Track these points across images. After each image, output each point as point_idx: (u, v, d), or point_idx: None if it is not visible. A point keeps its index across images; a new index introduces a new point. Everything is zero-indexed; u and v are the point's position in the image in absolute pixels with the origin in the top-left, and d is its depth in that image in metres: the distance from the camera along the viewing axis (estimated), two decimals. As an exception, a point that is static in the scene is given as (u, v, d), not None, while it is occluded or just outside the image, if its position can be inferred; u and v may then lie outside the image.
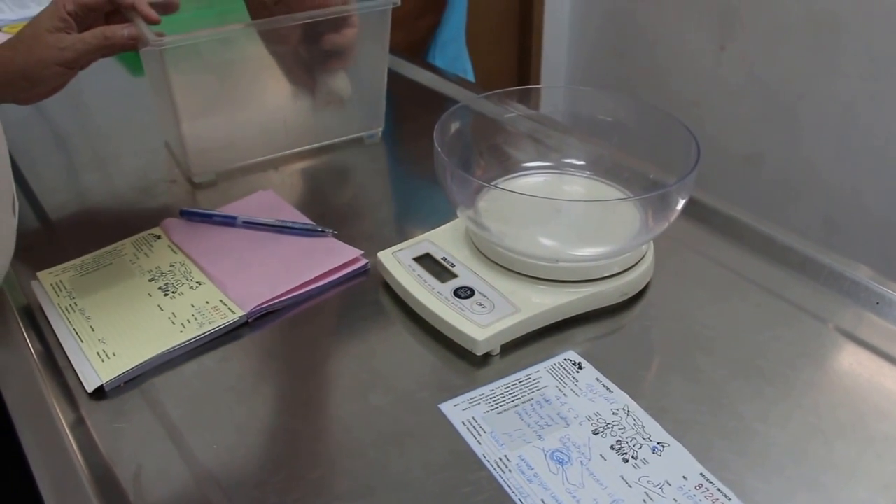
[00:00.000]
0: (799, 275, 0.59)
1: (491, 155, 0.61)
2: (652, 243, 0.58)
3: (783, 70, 1.57)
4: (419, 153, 0.79)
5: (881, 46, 1.39)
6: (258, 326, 0.54)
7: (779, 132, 1.63)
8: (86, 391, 0.48)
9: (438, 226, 0.61)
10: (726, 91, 1.72)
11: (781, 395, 0.48)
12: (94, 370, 0.49)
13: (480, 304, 0.52)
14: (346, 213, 0.68)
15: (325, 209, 0.68)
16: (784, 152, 1.62)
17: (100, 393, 0.48)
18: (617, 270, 0.54)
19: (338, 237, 0.63)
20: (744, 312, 0.55)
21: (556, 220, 0.52)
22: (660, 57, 1.84)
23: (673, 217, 0.53)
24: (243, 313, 0.54)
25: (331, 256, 0.60)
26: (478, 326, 0.49)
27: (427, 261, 0.56)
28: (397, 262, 0.56)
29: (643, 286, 0.57)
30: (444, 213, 0.63)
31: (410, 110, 0.88)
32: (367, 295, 0.57)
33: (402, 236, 0.60)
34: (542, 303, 0.52)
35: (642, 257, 0.56)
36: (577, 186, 0.61)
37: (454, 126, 0.57)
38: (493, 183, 0.60)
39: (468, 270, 0.55)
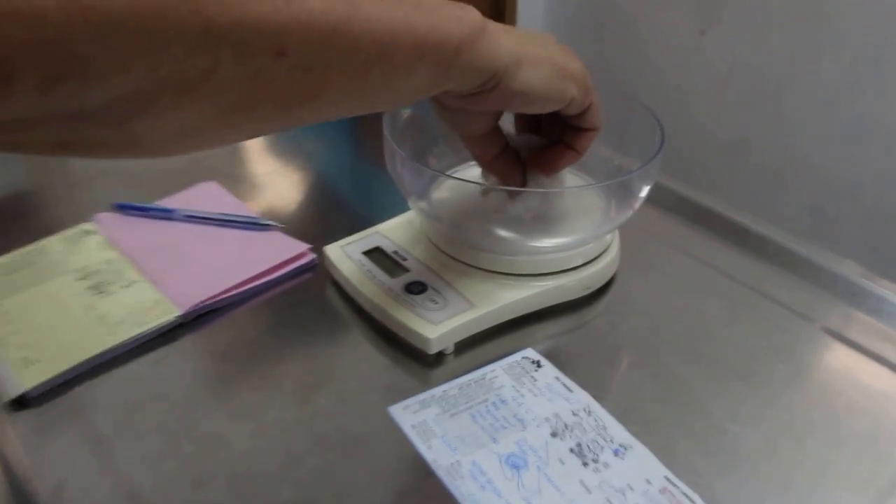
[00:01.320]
0: (773, 266, 0.59)
1: (446, 142, 0.60)
2: (617, 234, 0.58)
3: (768, 55, 1.58)
4: (372, 140, 0.78)
5: (867, 31, 1.40)
6: (196, 327, 0.53)
7: (764, 117, 1.63)
8: (6, 400, 0.47)
9: (391, 218, 0.60)
10: (710, 75, 1.72)
11: (752, 393, 0.48)
12: (16, 377, 0.48)
13: (433, 301, 0.51)
14: (293, 204, 0.68)
15: (273, 201, 0.68)
16: (770, 138, 1.62)
17: (22, 402, 0.47)
18: (579, 262, 0.54)
19: (284, 231, 0.62)
20: (714, 307, 0.55)
21: (513, 209, 0.51)
22: (640, 40, 1.83)
23: (636, 205, 0.53)
24: (179, 313, 0.53)
25: (276, 251, 0.59)
26: (430, 324, 0.49)
27: (377, 255, 0.56)
28: (346, 257, 0.56)
29: (607, 279, 0.56)
30: (398, 203, 0.62)
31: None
32: (314, 292, 0.57)
33: (353, 229, 0.60)
34: (499, 298, 0.51)
35: (606, 248, 0.56)
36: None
37: (406, 111, 0.57)
38: (447, 172, 0.59)
39: (421, 265, 0.54)
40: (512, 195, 0.50)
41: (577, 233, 0.53)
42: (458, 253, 0.54)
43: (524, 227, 0.52)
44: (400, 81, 0.32)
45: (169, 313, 0.53)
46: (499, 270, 0.53)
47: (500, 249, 0.52)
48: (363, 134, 0.81)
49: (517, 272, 0.53)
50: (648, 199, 0.54)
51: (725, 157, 1.71)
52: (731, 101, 1.68)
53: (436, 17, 0.32)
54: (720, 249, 0.61)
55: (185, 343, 0.52)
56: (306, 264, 0.59)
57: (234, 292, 0.56)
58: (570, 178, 0.59)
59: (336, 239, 0.58)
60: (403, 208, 0.61)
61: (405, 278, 0.53)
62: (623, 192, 0.52)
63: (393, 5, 0.30)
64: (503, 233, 0.53)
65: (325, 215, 0.67)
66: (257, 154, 0.77)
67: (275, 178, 0.73)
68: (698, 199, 0.66)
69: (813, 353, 0.51)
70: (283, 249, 0.60)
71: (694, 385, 0.48)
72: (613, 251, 0.56)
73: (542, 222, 0.53)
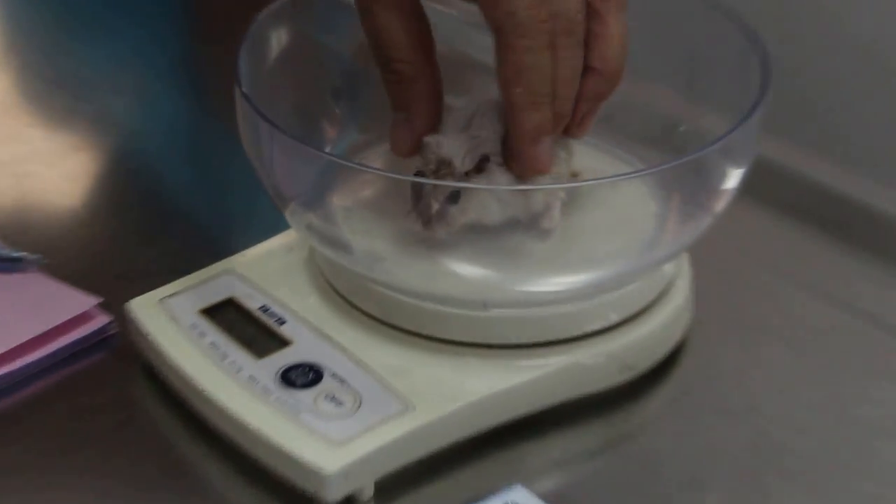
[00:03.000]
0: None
1: (361, 95, 0.58)
2: (686, 262, 0.55)
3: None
4: (220, 93, 0.71)
5: None
6: None
7: None
8: None
9: (253, 243, 0.57)
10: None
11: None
12: None
13: (334, 399, 0.48)
14: (67, 220, 0.66)
15: (27, 213, 0.66)
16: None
17: None
18: (612, 320, 0.51)
19: (49, 270, 0.59)
20: (874, 401, 0.53)
21: (486, 225, 0.50)
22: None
23: (720, 204, 0.50)
24: None
25: (36, 310, 0.55)
26: (328, 445, 0.45)
27: (229, 314, 0.53)
28: (169, 320, 0.52)
29: (667, 351, 0.53)
30: (266, 217, 0.59)
31: (221, 16, 0.86)
32: (111, 387, 0.53)
33: (181, 265, 0.57)
34: (462, 391, 0.48)
35: (664, 292, 0.53)
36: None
37: (280, 39, 0.55)
38: (358, 158, 0.57)
39: (311, 331, 0.52)
40: (480, 196, 0.50)
41: (606, 263, 0.51)
42: (383, 307, 0.52)
43: (509, 256, 0.52)
44: None
45: None
46: (461, 339, 0.50)
47: (462, 298, 0.51)
48: (204, 80, 0.82)
49: (495, 342, 0.50)
50: (744, 191, 0.51)
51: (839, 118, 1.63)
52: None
53: None
54: (885, 282, 0.60)
55: None
56: (92, 335, 0.55)
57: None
58: (595, 159, 0.58)
59: (149, 285, 0.55)
60: (277, 226, 0.58)
61: (281, 357, 0.50)
62: (694, 183, 0.50)
63: None
64: (468, 269, 0.51)
65: (127, 240, 0.64)
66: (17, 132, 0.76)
67: (31, 166, 0.70)
68: (842, 190, 0.64)
69: None
70: (50, 307, 0.56)
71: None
72: (679, 297, 0.54)
73: (541, 245, 0.52)
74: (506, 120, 0.50)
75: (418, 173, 0.50)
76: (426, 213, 0.50)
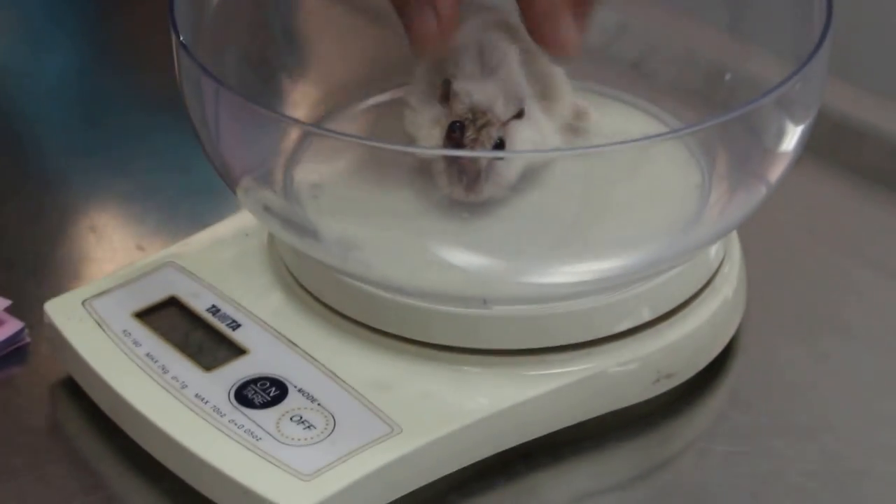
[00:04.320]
0: None
1: (326, 41, 0.61)
2: (736, 242, 0.55)
3: None
4: (153, 56, 0.72)
5: None
6: None
7: None
8: None
9: (198, 229, 0.58)
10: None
11: None
12: None
13: (301, 421, 0.48)
14: None
15: None
16: None
17: None
18: (644, 318, 0.51)
19: None
20: None
21: (487, 204, 0.50)
22: None
23: (778, 171, 0.50)
24: None
25: None
26: (294, 478, 0.45)
27: (170, 317, 0.53)
28: (95, 325, 0.52)
29: (714, 354, 0.53)
30: (213, 197, 0.61)
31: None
32: (25, 407, 0.54)
33: (106, 259, 0.59)
34: (459, 410, 0.48)
35: (708, 281, 0.53)
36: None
37: None
38: (322, 122, 0.58)
39: (272, 337, 0.51)
40: (477, 165, 0.50)
41: (636, 246, 0.50)
42: (360, 307, 0.51)
43: (512, 238, 0.51)
44: None
45: None
46: (457, 345, 0.50)
47: (457, 293, 0.50)
48: (120, 21, 0.82)
49: (499, 347, 0.50)
50: (807, 153, 0.51)
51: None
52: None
53: None
54: None
55: None
56: (1, 345, 0.55)
57: None
58: (621, 116, 0.59)
59: (68, 283, 0.56)
60: (226, 208, 0.59)
61: (236, 370, 0.50)
62: (745, 144, 0.50)
63: None
64: (463, 256, 0.50)
65: (35, 229, 0.64)
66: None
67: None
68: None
69: None
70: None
71: None
72: (727, 287, 0.53)
73: (553, 222, 0.52)
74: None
75: (455, 124, 0.50)
76: (471, 172, 0.49)
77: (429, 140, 0.51)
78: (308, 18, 0.63)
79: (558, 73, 0.55)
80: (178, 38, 0.49)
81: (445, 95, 0.51)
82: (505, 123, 0.50)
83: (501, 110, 0.50)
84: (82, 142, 0.73)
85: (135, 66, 0.76)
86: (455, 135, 0.50)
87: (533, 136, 0.52)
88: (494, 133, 0.50)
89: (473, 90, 0.51)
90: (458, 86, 0.51)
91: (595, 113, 0.57)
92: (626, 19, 0.63)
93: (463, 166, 0.50)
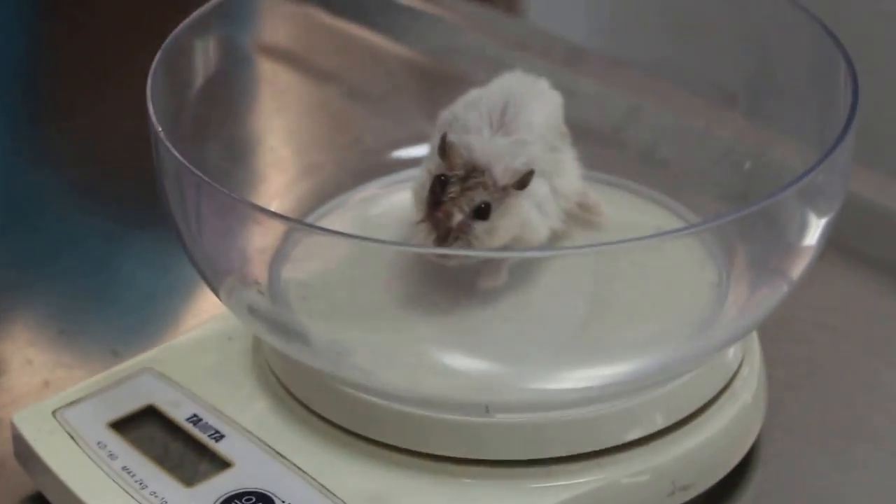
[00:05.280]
0: None
1: (315, 127, 0.61)
2: (756, 344, 0.54)
3: None
4: (127, 145, 0.72)
5: None
6: None
7: None
8: None
9: (178, 333, 0.59)
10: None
11: None
12: None
13: None
14: None
15: None
16: None
17: None
18: (658, 425, 0.50)
19: None
20: None
21: (489, 303, 0.51)
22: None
23: (800, 267, 0.49)
24: None
25: None
26: None
27: (148, 427, 0.52)
28: (67, 437, 0.51)
29: (733, 464, 0.52)
30: (194, 298, 0.61)
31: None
32: None
33: (77, 365, 0.59)
34: None
35: (726, 386, 0.52)
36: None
37: (207, 56, 0.57)
38: (311, 216, 0.59)
39: (258, 448, 0.51)
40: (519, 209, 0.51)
41: (649, 349, 0.50)
42: (352, 416, 0.51)
43: (516, 341, 0.51)
44: None
45: None
46: (457, 455, 0.49)
47: (457, 400, 0.49)
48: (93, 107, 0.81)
49: (502, 457, 0.49)
50: (829, 247, 0.51)
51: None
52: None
53: None
54: None
55: None
56: None
57: None
58: (632, 209, 0.60)
59: (36, 390, 0.57)
60: (207, 309, 0.60)
61: (220, 485, 0.49)
62: (765, 239, 0.49)
63: None
64: (463, 361, 0.50)
65: (2, 326, 0.66)
66: None
67: None
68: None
69: None
70: None
71: None
72: (746, 392, 0.53)
73: (559, 323, 0.52)
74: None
75: (439, 178, 0.50)
76: (444, 224, 0.49)
77: (421, 202, 0.51)
78: (296, 102, 0.63)
79: (568, 154, 0.55)
80: (157, 129, 0.49)
81: (443, 149, 0.51)
82: (503, 188, 0.50)
83: (501, 173, 0.49)
84: (51, 237, 0.73)
85: (106, 157, 0.76)
86: (436, 191, 0.50)
87: (531, 215, 0.52)
88: (478, 197, 0.49)
89: (473, 145, 0.50)
90: (455, 138, 0.50)
91: (605, 207, 0.57)
92: (639, 102, 0.63)
93: (435, 219, 0.50)
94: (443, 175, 0.50)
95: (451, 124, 0.54)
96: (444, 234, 0.50)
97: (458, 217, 0.49)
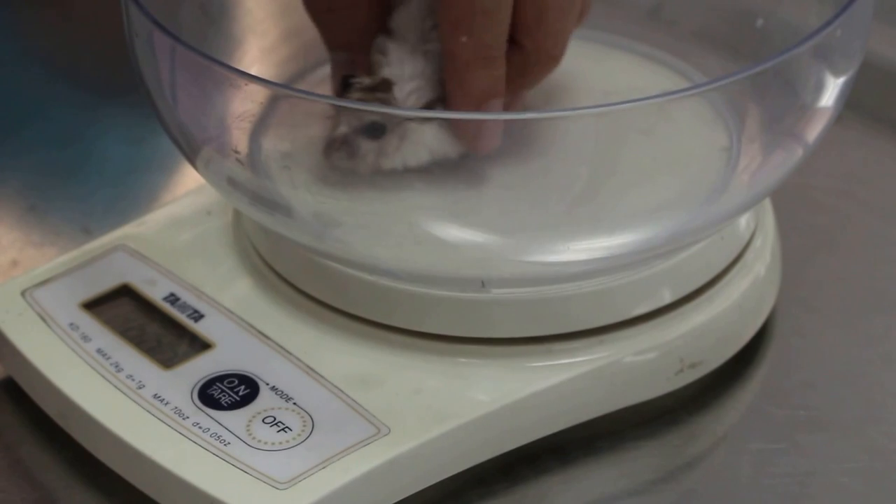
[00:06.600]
0: None
1: None
2: (769, 210, 0.55)
3: None
4: (97, 11, 0.76)
5: None
6: None
7: None
8: None
9: (153, 209, 0.59)
10: None
11: None
12: None
13: (275, 422, 0.47)
14: None
15: None
16: None
17: None
18: (667, 300, 0.51)
19: None
20: None
21: (485, 170, 0.51)
22: None
23: (816, 130, 0.50)
24: None
25: None
26: (268, 487, 0.45)
27: (123, 307, 0.53)
28: (37, 318, 0.52)
29: (745, 341, 0.53)
30: (167, 172, 0.64)
31: None
32: None
33: (47, 242, 0.60)
34: (455, 407, 0.48)
35: (738, 257, 0.53)
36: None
37: None
38: (293, 81, 0.59)
39: (240, 328, 0.52)
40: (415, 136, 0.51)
41: (656, 217, 0.50)
42: (340, 293, 0.52)
43: (513, 210, 0.51)
44: None
45: None
46: (452, 333, 0.50)
47: (451, 274, 0.50)
48: None
49: (500, 335, 0.50)
50: (848, 108, 0.51)
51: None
52: None
53: None
54: None
55: None
56: None
57: None
58: (638, 71, 0.60)
59: (7, 272, 0.58)
60: (184, 183, 0.62)
61: (199, 367, 0.50)
62: (779, 100, 0.49)
63: None
64: (458, 232, 0.50)
65: None
66: None
67: None
68: None
69: None
70: None
71: None
72: (759, 264, 0.54)
73: (560, 191, 0.51)
74: (444, 75, 0.50)
75: (345, 78, 0.50)
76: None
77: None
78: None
79: None
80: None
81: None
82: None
83: (404, 96, 0.50)
84: (17, 106, 0.74)
85: (75, 22, 0.77)
86: (338, 90, 0.51)
87: (435, 145, 0.52)
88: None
89: (393, 58, 0.51)
90: (381, 41, 0.51)
91: (609, 69, 0.57)
92: (645, -44, 0.63)
93: (347, 135, 0.50)
94: (350, 76, 0.50)
95: (400, 16, 0.54)
96: (329, 142, 0.50)
97: (342, 129, 0.49)
